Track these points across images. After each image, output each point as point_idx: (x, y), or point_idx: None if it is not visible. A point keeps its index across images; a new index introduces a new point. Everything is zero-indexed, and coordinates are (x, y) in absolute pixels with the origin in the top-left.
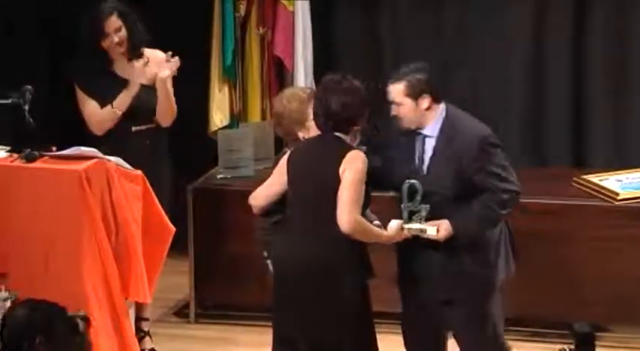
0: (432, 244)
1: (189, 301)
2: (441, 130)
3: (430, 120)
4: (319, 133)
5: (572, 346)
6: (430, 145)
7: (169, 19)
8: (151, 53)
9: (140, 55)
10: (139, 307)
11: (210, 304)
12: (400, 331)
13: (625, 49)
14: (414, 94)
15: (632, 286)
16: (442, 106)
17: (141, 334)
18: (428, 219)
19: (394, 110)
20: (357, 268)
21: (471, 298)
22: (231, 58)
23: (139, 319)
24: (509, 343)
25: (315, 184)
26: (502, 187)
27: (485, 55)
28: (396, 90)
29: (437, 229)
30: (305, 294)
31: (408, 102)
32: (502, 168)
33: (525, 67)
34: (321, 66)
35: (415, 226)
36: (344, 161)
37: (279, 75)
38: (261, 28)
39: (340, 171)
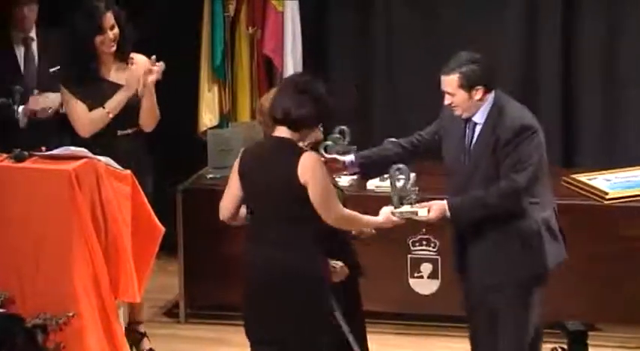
0: (481, 232)
1: (179, 301)
2: (489, 116)
3: (481, 108)
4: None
5: (565, 346)
6: (478, 130)
7: (159, 19)
8: (135, 57)
9: (127, 57)
10: (135, 310)
11: (200, 304)
12: (394, 330)
13: (614, 50)
14: (468, 85)
15: (621, 285)
16: (492, 93)
17: (138, 336)
18: (418, 201)
19: (447, 100)
20: (327, 271)
21: (519, 283)
22: (220, 58)
23: (135, 322)
24: None
25: (273, 189)
26: (511, 177)
27: None
28: (450, 81)
29: (428, 210)
30: (275, 298)
31: (462, 93)
32: (521, 160)
33: (515, 67)
34: (311, 66)
35: (406, 209)
36: (300, 166)
37: (268, 75)
38: (250, 28)
39: (300, 175)
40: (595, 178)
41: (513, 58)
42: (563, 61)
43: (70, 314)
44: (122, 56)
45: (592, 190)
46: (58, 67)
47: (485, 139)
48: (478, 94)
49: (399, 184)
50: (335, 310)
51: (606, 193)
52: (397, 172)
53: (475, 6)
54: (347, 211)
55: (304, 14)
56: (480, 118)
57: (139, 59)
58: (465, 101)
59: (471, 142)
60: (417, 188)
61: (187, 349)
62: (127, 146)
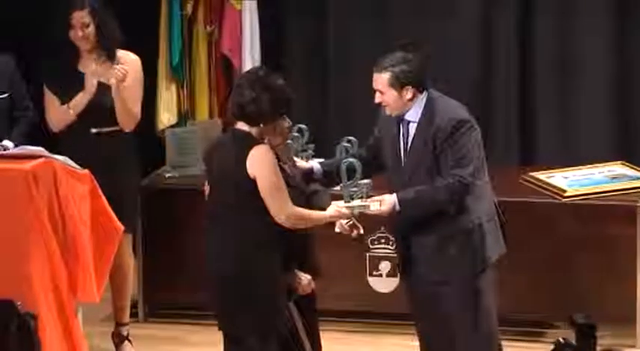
0: (423, 230)
1: (138, 301)
2: (423, 114)
3: (412, 107)
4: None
5: (563, 338)
6: (413, 128)
7: (116, 18)
8: (123, 55)
9: (112, 56)
10: (120, 313)
11: (159, 304)
12: (353, 328)
13: (570, 49)
14: (399, 85)
15: (578, 282)
16: (424, 93)
17: (120, 338)
18: (369, 195)
19: (378, 98)
20: (276, 266)
21: (464, 277)
22: (178, 57)
23: (118, 323)
24: None
25: (225, 180)
26: (454, 172)
27: (431, 57)
28: (381, 80)
29: (380, 204)
30: (223, 290)
31: (392, 92)
32: (463, 155)
33: (472, 68)
34: (269, 64)
35: (357, 203)
36: (249, 157)
37: (226, 73)
38: (208, 27)
39: (248, 168)
40: (553, 176)
41: (468, 58)
42: (520, 60)
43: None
44: (104, 54)
45: (550, 188)
46: (6, 94)
47: (423, 137)
48: (408, 93)
49: (350, 178)
50: (288, 307)
51: (564, 191)
52: (348, 167)
53: (430, 9)
54: (297, 209)
55: (262, 13)
56: (413, 116)
57: (128, 57)
58: (395, 100)
59: (407, 140)
60: (369, 182)
61: (146, 348)
62: (101, 145)
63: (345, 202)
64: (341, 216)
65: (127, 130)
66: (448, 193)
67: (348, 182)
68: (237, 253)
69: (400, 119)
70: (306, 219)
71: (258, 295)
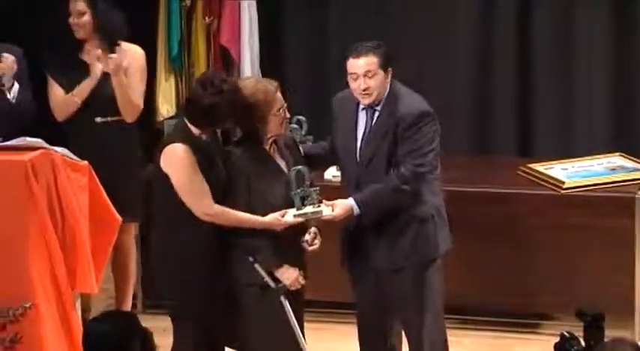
0: (375, 222)
1: (137, 292)
2: (386, 102)
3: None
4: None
5: (567, 333)
6: (376, 116)
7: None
8: (127, 47)
9: (112, 46)
10: (120, 299)
11: (158, 295)
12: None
13: (570, 40)
14: (386, 65)
15: (576, 275)
16: None
17: None
18: (320, 201)
19: (365, 83)
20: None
21: (416, 265)
22: (177, 48)
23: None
24: (453, 331)
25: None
26: (410, 162)
27: (431, 49)
28: (372, 61)
29: (332, 209)
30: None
31: (382, 74)
32: (420, 146)
33: (472, 58)
34: (268, 56)
35: (309, 210)
36: (161, 155)
37: (225, 65)
38: (207, 18)
39: (161, 165)
40: (552, 168)
41: (468, 49)
42: (520, 51)
43: (27, 305)
44: (104, 44)
45: (549, 180)
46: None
47: (384, 125)
48: (389, 75)
49: (300, 185)
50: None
51: (563, 183)
52: (297, 174)
53: (430, 3)
54: (219, 208)
55: (261, 4)
56: (378, 104)
57: (133, 50)
58: (382, 83)
59: (368, 128)
60: (318, 188)
61: None
62: (106, 135)
63: (298, 209)
64: (279, 225)
65: (129, 121)
66: (403, 183)
67: (298, 189)
68: (161, 240)
69: (364, 108)
70: (230, 220)
71: (182, 277)
